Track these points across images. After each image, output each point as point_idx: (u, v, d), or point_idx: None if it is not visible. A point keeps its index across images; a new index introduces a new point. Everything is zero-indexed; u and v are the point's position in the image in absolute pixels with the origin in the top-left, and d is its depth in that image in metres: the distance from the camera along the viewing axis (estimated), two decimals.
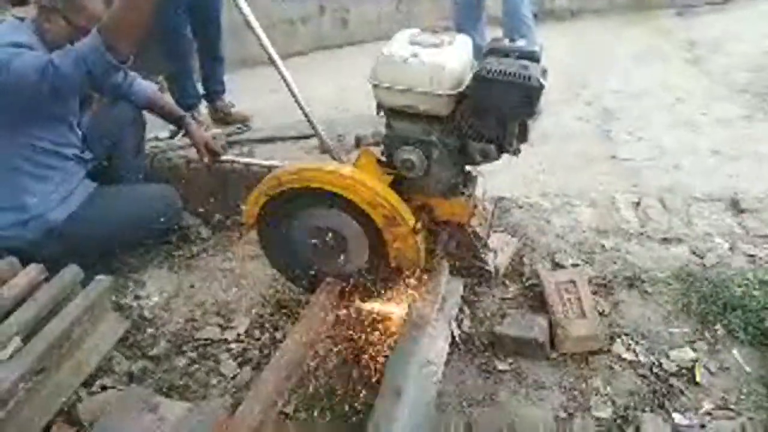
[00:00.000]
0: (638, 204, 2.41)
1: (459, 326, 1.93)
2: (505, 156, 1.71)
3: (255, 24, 1.87)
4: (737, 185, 2.46)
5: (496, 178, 2.58)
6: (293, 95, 1.98)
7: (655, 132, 3.02)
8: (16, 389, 1.55)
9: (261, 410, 1.39)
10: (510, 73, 1.43)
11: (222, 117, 3.26)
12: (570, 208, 2.43)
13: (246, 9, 1.90)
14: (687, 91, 3.42)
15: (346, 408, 1.68)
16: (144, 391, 1.47)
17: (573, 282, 1.95)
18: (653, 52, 4.01)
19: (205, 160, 2.30)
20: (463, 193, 1.71)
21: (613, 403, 1.67)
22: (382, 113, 1.66)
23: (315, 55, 4.87)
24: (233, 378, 1.80)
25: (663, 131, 3.02)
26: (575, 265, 2.11)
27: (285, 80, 1.96)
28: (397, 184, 1.69)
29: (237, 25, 3.77)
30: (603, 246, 2.20)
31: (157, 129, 2.73)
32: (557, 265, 2.12)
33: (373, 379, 1.73)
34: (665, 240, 2.20)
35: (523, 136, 1.59)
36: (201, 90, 3.26)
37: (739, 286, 1.92)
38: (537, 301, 1.98)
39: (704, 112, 3.18)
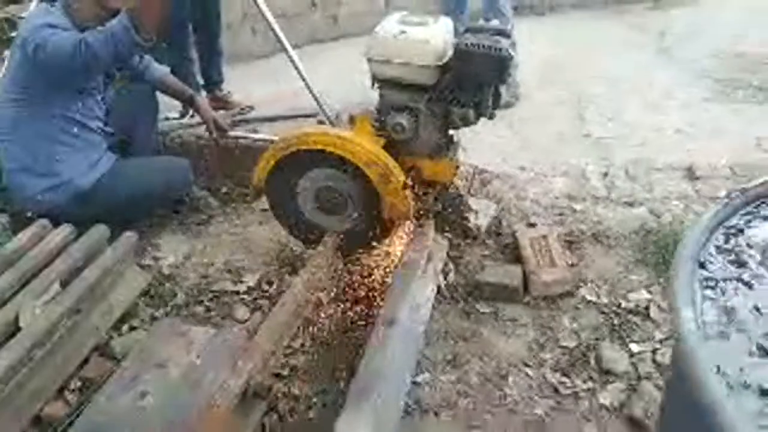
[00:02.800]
0: (606, 174, 2.68)
1: (445, 278, 2.17)
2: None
3: (268, 13, 2.11)
4: (694, 158, 2.73)
5: (478, 155, 2.82)
6: (300, 74, 2.22)
7: (625, 113, 3.28)
8: (58, 326, 1.78)
9: (276, 334, 1.63)
10: (484, 46, 1.68)
11: (222, 106, 3.46)
12: (544, 179, 2.69)
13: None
14: (656, 77, 3.69)
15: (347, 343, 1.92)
16: (173, 320, 1.70)
17: (545, 237, 2.21)
18: (627, 43, 4.28)
19: (214, 135, 2.54)
20: (446, 155, 1.96)
21: (578, 335, 1.93)
22: (375, 85, 1.91)
23: (308, 48, 5.08)
24: (245, 321, 2.03)
25: (632, 113, 3.28)
26: (548, 225, 2.37)
27: (292, 61, 2.20)
28: (388, 148, 1.93)
29: (231, 20, 3.99)
30: (573, 209, 2.46)
31: (167, 110, 2.96)
32: (531, 226, 2.37)
33: (369, 319, 1.98)
34: (628, 203, 2.46)
35: (496, 102, 1.84)
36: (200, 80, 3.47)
37: None
38: (513, 256, 2.23)
39: (671, 95, 3.45)
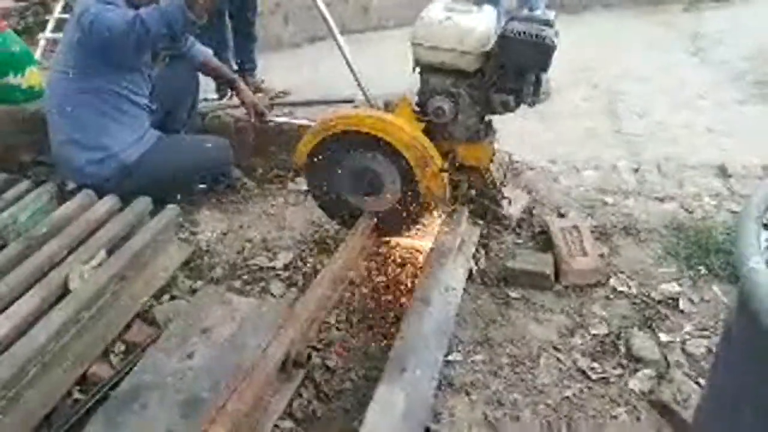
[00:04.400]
0: (637, 169, 2.69)
1: (476, 263, 2.21)
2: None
3: (321, 3, 2.17)
4: (727, 156, 2.74)
5: (510, 147, 2.86)
6: (344, 56, 2.27)
7: (656, 112, 3.28)
8: (104, 291, 1.85)
9: (314, 307, 1.68)
10: (529, 34, 1.72)
11: (254, 92, 3.53)
12: (576, 172, 2.71)
13: None
14: (688, 77, 3.69)
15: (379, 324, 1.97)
16: (217, 289, 1.76)
17: (576, 227, 2.23)
18: (659, 43, 4.28)
19: (253, 119, 2.60)
20: (484, 141, 1.99)
21: (608, 323, 1.95)
22: (417, 69, 1.95)
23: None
24: (281, 297, 2.08)
25: (664, 111, 3.29)
26: (579, 217, 2.39)
27: (338, 43, 2.25)
28: (427, 132, 1.97)
29: (263, 9, 4.03)
30: (604, 202, 2.48)
31: (205, 92, 3.02)
32: (563, 216, 2.40)
33: (401, 301, 2.02)
34: (659, 198, 2.48)
35: (536, 91, 1.87)
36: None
37: (722, 234, 2.20)
38: (544, 245, 2.25)
39: (703, 96, 3.45)
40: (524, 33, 1.73)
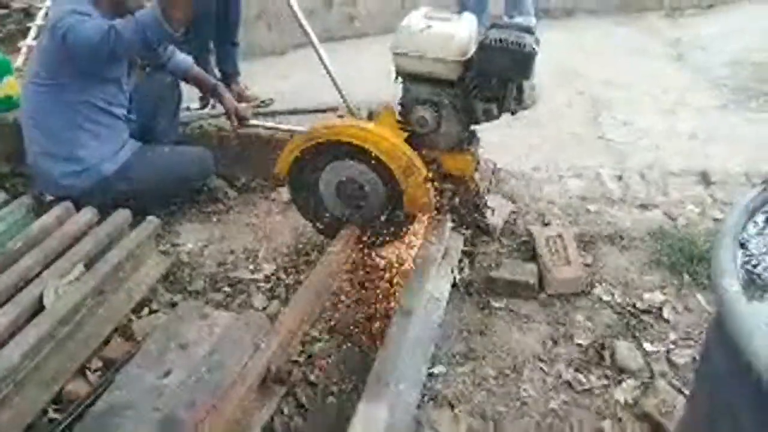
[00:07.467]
0: (620, 177, 2.70)
1: (460, 273, 2.19)
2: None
3: (296, 7, 2.15)
4: (709, 163, 2.75)
5: (494, 154, 2.86)
6: (324, 66, 2.25)
7: (639, 118, 3.30)
8: (82, 306, 1.81)
9: (296, 320, 1.65)
10: (509, 42, 1.71)
11: (238, 99, 3.49)
12: (559, 179, 2.71)
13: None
14: (670, 83, 3.71)
15: (362, 336, 1.95)
16: (195, 304, 1.72)
17: (560, 235, 2.23)
18: (641, 49, 4.31)
19: (235, 124, 2.57)
20: (467, 150, 1.98)
21: (593, 333, 1.94)
22: (399, 79, 1.93)
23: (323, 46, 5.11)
24: (263, 309, 2.05)
25: (646, 118, 3.31)
26: (563, 225, 2.38)
27: (318, 53, 2.23)
28: (410, 141, 1.95)
29: (246, 16, 4.01)
30: (588, 210, 2.48)
31: (187, 101, 2.99)
32: (546, 225, 2.39)
33: (385, 312, 2.00)
34: (643, 206, 2.48)
35: (519, 99, 1.86)
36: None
37: (706, 242, 2.20)
38: (528, 254, 2.24)
39: (685, 102, 3.47)
40: (503, 41, 1.72)
